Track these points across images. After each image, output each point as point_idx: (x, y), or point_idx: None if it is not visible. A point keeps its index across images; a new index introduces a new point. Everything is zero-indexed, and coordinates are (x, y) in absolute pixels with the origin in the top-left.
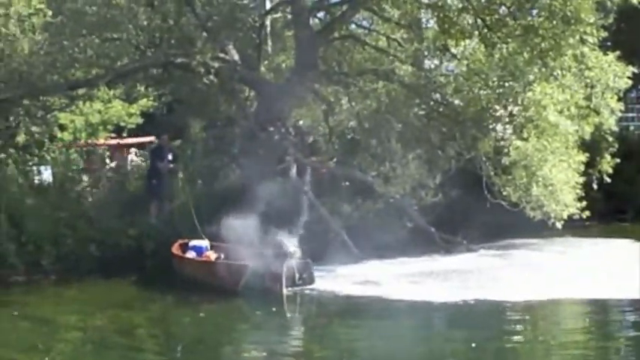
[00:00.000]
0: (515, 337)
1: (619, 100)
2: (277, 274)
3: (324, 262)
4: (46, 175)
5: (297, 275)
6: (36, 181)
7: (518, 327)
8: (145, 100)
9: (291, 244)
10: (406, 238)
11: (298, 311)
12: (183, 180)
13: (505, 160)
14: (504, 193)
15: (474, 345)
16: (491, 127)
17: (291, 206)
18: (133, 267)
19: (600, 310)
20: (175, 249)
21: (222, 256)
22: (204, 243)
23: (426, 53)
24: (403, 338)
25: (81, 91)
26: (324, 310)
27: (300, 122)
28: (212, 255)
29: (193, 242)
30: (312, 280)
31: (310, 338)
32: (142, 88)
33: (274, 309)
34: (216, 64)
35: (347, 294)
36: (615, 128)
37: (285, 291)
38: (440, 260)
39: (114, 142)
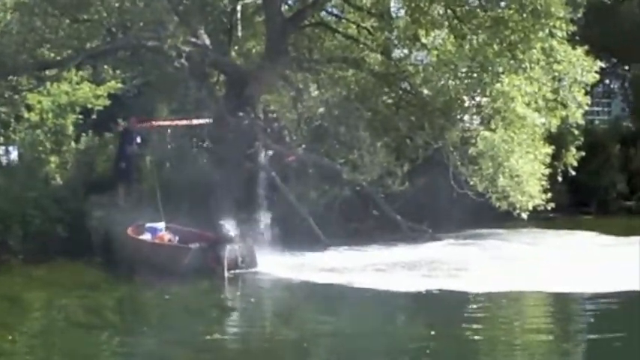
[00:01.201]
0: (475, 326)
1: (586, 93)
2: (219, 257)
3: (292, 249)
4: (14, 155)
5: (239, 259)
6: (3, 161)
7: (479, 316)
8: (112, 82)
9: (232, 228)
10: (372, 226)
11: (266, 296)
12: (151, 163)
13: (472, 151)
14: (471, 183)
15: (433, 332)
16: (459, 117)
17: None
18: (99, 249)
19: (561, 302)
20: (131, 230)
21: (176, 238)
22: (160, 225)
23: (396, 42)
24: (362, 324)
25: (50, 72)
26: (289, 295)
27: (270, 108)
28: (165, 237)
29: (149, 224)
30: (254, 264)
31: (276, 322)
32: (110, 71)
33: (253, 299)
34: (187, 49)
35: (310, 281)
36: (582, 122)
37: (226, 274)
38: (405, 249)
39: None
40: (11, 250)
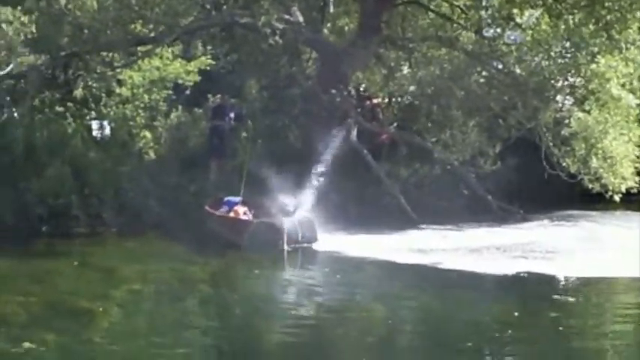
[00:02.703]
0: (561, 310)
1: None
2: (279, 231)
3: (377, 228)
4: (108, 130)
5: (299, 233)
6: (98, 136)
7: (567, 301)
8: (203, 58)
9: (292, 203)
10: (462, 206)
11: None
12: (245, 139)
13: (565, 132)
14: (563, 164)
15: (516, 314)
16: (552, 97)
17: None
18: (191, 223)
19: None
20: (211, 203)
21: (251, 211)
22: (237, 198)
23: (489, 21)
24: (444, 305)
25: (142, 48)
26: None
27: (362, 86)
28: (240, 210)
29: (227, 197)
30: (314, 239)
31: (369, 300)
32: (200, 47)
33: (326, 269)
34: (280, 26)
35: (392, 260)
36: None
37: (285, 247)
38: (495, 230)
39: None
40: (105, 223)
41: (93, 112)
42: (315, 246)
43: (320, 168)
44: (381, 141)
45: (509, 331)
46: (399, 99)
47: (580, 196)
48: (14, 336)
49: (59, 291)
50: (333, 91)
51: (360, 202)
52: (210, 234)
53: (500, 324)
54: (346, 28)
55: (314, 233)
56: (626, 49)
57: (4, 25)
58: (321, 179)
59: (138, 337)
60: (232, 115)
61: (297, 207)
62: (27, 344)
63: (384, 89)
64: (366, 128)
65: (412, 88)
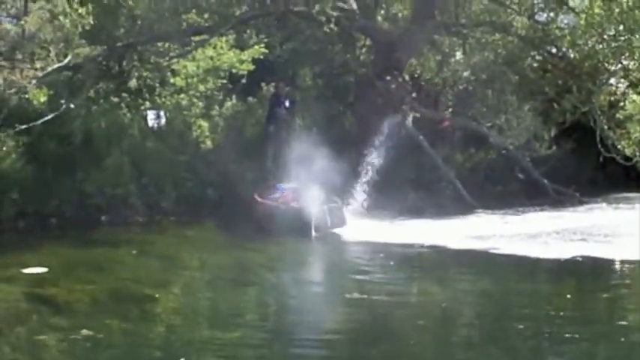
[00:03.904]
0: (614, 294)
1: None
2: (307, 216)
3: (434, 214)
4: (164, 120)
5: (328, 219)
6: (155, 126)
7: (623, 284)
8: (256, 47)
9: (319, 190)
10: (517, 190)
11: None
12: (300, 127)
13: (619, 114)
14: (618, 147)
15: (569, 296)
16: (606, 81)
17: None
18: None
19: None
20: (260, 190)
21: (299, 198)
22: (289, 185)
23: (542, 6)
24: (496, 289)
25: (196, 38)
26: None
27: (416, 72)
28: (290, 196)
29: (279, 184)
30: (343, 224)
31: (425, 284)
32: (254, 35)
33: (381, 254)
34: (335, 13)
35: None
36: None
37: (313, 233)
38: (552, 214)
39: None
40: (164, 211)
41: (147, 103)
42: (368, 232)
43: (371, 158)
44: (443, 128)
45: (562, 313)
46: (453, 85)
47: (636, 179)
48: (76, 323)
49: (121, 278)
50: (388, 77)
51: (416, 188)
52: (254, 221)
53: (554, 306)
54: (400, 14)
55: (343, 219)
56: None
57: (61, 17)
58: (370, 169)
59: (198, 323)
60: (287, 103)
61: (323, 194)
62: (85, 331)
63: (439, 75)
64: (423, 114)
65: (466, 73)
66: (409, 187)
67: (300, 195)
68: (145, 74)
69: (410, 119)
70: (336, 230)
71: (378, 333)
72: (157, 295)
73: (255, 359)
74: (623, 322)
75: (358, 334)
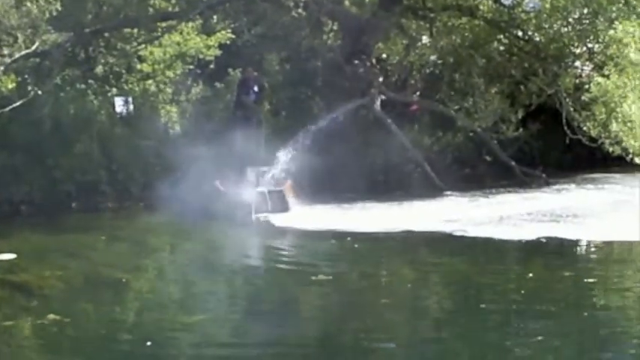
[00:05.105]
0: (576, 271)
1: None
2: (247, 201)
3: (402, 196)
4: (132, 106)
5: (269, 203)
6: (123, 112)
7: (585, 263)
8: (223, 32)
9: (254, 174)
10: (485, 172)
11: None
12: (268, 112)
13: (585, 97)
14: (583, 129)
15: (530, 275)
16: (571, 63)
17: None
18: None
19: None
20: (226, 175)
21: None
22: (251, 170)
23: None
24: (463, 270)
25: (164, 24)
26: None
27: (383, 56)
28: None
29: (247, 168)
30: (285, 209)
31: (394, 266)
32: (220, 21)
33: (348, 238)
34: None
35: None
36: None
37: (253, 217)
38: (520, 196)
39: None
40: (133, 197)
41: (114, 89)
42: (331, 216)
43: (303, 140)
44: (411, 111)
45: (528, 292)
46: (420, 68)
47: (601, 160)
48: (47, 308)
49: (92, 263)
50: (356, 62)
51: (385, 170)
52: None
53: (521, 285)
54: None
55: (285, 204)
56: None
57: (28, 3)
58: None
59: (167, 306)
60: (256, 88)
61: (257, 179)
62: (52, 315)
63: (406, 59)
64: (391, 98)
65: (433, 57)
66: (378, 170)
67: (260, 180)
68: (111, 60)
69: (378, 103)
70: (285, 215)
71: (348, 312)
72: (125, 280)
73: (226, 341)
74: (587, 300)
75: (327, 313)
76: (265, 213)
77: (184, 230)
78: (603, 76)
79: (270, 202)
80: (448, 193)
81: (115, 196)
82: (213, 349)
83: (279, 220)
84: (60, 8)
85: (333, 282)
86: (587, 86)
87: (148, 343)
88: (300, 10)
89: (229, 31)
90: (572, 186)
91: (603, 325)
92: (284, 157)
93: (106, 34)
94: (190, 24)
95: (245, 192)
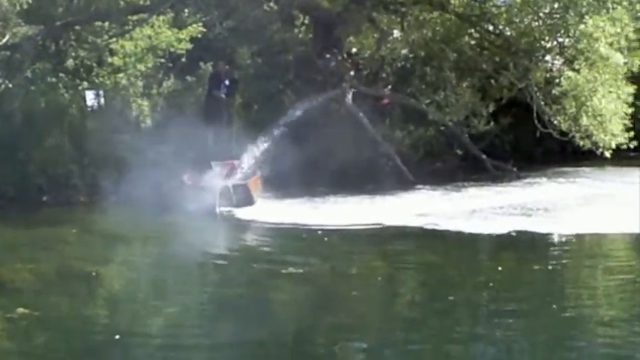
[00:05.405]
0: (545, 265)
1: None
2: (211, 195)
3: (373, 190)
4: (103, 99)
5: (233, 197)
6: (95, 105)
7: (555, 256)
8: (194, 26)
9: (219, 168)
10: (456, 166)
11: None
12: (240, 105)
13: (556, 91)
14: (554, 123)
15: (500, 268)
16: (542, 58)
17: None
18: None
19: None
20: (194, 169)
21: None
22: (219, 164)
23: None
24: (434, 264)
25: (135, 17)
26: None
27: (355, 50)
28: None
29: (215, 162)
30: (250, 202)
31: (365, 260)
32: (192, 14)
33: (319, 231)
34: None
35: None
36: None
37: (217, 210)
38: (491, 189)
39: None
40: (104, 191)
41: (85, 82)
42: (302, 210)
43: (273, 133)
44: (383, 105)
45: (499, 284)
46: (391, 62)
47: (572, 154)
48: (18, 302)
49: (64, 257)
50: (328, 55)
51: (356, 164)
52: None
53: (491, 278)
54: None
55: (249, 198)
56: (613, 9)
57: None
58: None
59: (139, 299)
60: (227, 82)
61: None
62: (21, 309)
63: (378, 52)
64: (363, 91)
65: (405, 51)
66: (349, 164)
67: (227, 174)
68: (82, 54)
69: (349, 96)
70: (249, 209)
71: (322, 305)
72: (96, 273)
73: (199, 334)
74: (557, 293)
75: (301, 307)
76: (229, 207)
77: (153, 224)
78: (574, 70)
79: (235, 195)
80: (419, 186)
81: (86, 190)
82: (182, 340)
83: (243, 213)
84: (30, 1)
85: (303, 275)
86: (557, 80)
87: (117, 337)
88: (271, 4)
89: (200, 24)
90: (544, 179)
91: (573, 318)
92: (254, 150)
93: (77, 28)
94: (161, 17)
95: (210, 186)
